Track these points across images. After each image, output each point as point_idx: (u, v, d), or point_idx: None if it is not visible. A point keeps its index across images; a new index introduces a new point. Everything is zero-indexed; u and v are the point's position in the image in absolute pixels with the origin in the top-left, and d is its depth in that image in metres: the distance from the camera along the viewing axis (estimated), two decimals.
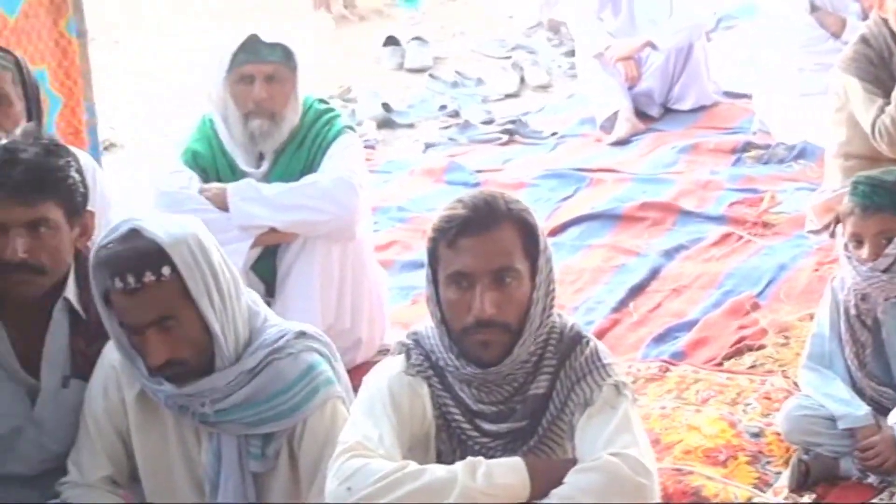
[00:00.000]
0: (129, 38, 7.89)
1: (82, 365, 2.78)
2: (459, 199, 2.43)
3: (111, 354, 2.68)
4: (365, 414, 2.44)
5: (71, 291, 2.77)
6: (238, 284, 2.62)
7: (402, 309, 4.41)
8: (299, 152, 3.74)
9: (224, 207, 3.59)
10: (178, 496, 2.68)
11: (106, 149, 5.23)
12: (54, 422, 2.81)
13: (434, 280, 2.43)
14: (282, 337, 2.61)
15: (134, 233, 2.48)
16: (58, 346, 2.78)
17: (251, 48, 3.62)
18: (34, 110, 3.37)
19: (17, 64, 3.33)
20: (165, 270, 2.45)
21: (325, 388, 2.60)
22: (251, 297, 2.70)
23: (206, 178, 3.72)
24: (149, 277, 2.44)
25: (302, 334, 2.65)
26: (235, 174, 3.73)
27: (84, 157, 3.60)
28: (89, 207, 2.86)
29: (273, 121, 3.66)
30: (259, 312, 2.68)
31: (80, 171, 2.75)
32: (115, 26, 7.60)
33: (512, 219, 2.39)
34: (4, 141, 2.74)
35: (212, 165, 3.74)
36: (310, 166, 3.73)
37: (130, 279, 2.44)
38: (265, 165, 3.74)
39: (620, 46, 6.11)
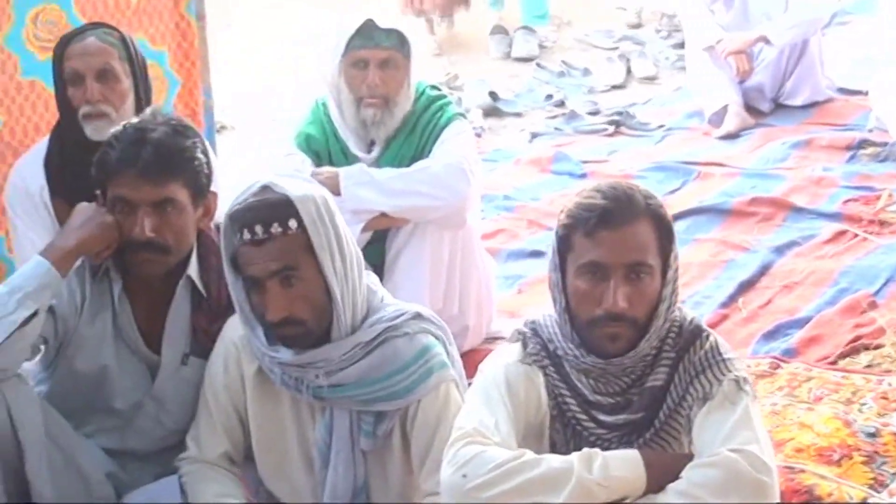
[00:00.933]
0: (241, 21, 7.97)
1: (203, 343, 2.84)
2: (596, 189, 2.41)
3: (232, 332, 2.72)
4: (481, 401, 2.44)
5: (194, 269, 2.82)
6: (361, 262, 2.65)
7: (508, 298, 4.41)
8: (410, 138, 3.74)
9: (336, 191, 3.59)
10: (292, 473, 2.72)
11: (217, 131, 5.29)
12: (173, 399, 2.87)
13: (562, 267, 2.42)
14: (399, 316, 2.64)
15: (265, 188, 2.54)
16: (179, 324, 2.84)
17: (366, 33, 3.63)
18: (141, 87, 3.40)
19: (123, 40, 3.36)
20: (292, 223, 2.51)
21: (439, 371, 2.62)
22: (371, 278, 2.73)
23: (318, 162, 3.74)
24: (276, 228, 2.50)
25: (418, 316, 2.67)
26: (348, 158, 3.74)
27: None
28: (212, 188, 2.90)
29: (386, 108, 3.67)
30: (377, 293, 2.71)
31: (205, 151, 2.80)
32: (229, 9, 7.67)
33: (649, 214, 2.39)
34: (135, 120, 2.79)
35: (324, 149, 3.77)
36: (421, 152, 3.73)
37: (258, 229, 2.50)
38: (376, 151, 3.75)
39: (733, 40, 6.01)
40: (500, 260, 4.69)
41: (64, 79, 3.31)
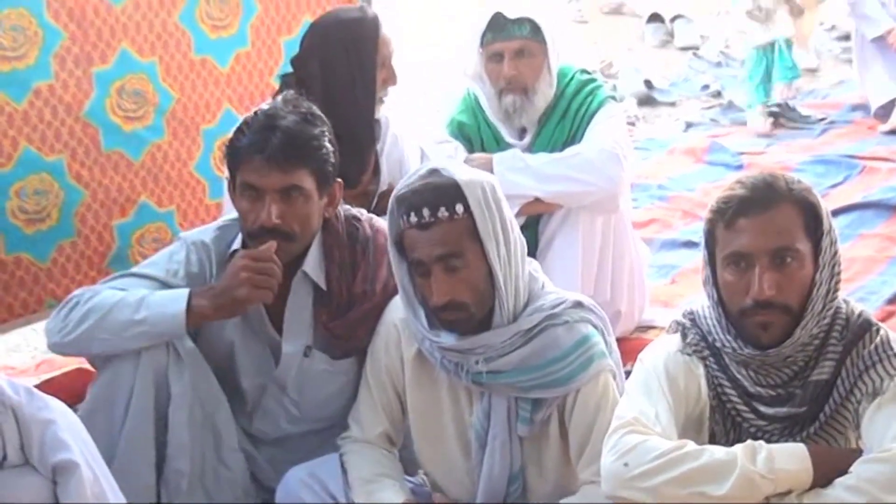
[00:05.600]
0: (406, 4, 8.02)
1: (325, 339, 2.84)
2: (738, 180, 2.39)
3: (394, 313, 2.74)
4: (641, 391, 2.42)
5: (311, 264, 2.82)
6: (524, 248, 2.64)
7: (661, 287, 4.38)
8: (562, 123, 3.72)
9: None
10: (448, 456, 2.73)
11: None
12: (295, 387, 2.90)
13: (711, 262, 2.39)
14: (559, 304, 2.62)
15: (433, 172, 2.55)
16: (299, 317, 2.85)
17: (497, 26, 3.63)
18: None
19: None
20: (459, 208, 2.51)
21: (598, 360, 2.60)
22: (532, 265, 2.72)
23: (470, 149, 3.76)
24: (442, 213, 2.50)
25: (579, 304, 2.65)
26: (500, 145, 3.75)
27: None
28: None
29: (525, 95, 3.66)
30: (538, 279, 2.70)
31: (332, 141, 2.79)
32: None
33: (793, 199, 2.33)
34: (265, 106, 2.79)
35: (476, 136, 3.78)
36: (573, 137, 3.71)
37: (425, 212, 2.50)
38: (528, 137, 3.74)
39: None
40: (653, 249, 4.66)
41: (374, 62, 3.41)
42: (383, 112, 3.62)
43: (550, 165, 3.63)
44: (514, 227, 2.62)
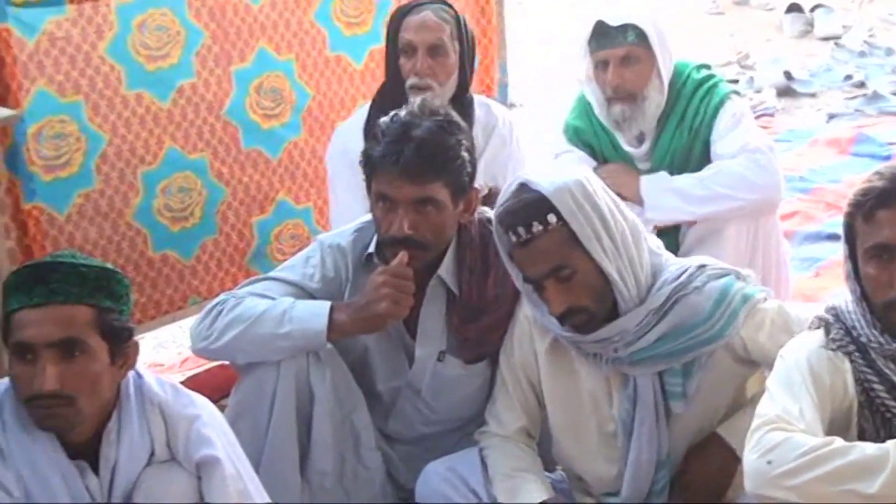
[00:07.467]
0: (535, 11, 8.03)
1: (459, 343, 2.83)
2: (877, 171, 2.33)
3: (525, 308, 2.73)
4: (783, 387, 2.35)
5: (446, 269, 2.80)
6: (636, 230, 2.60)
7: (804, 280, 4.30)
8: (681, 128, 3.54)
9: (635, 200, 3.46)
10: (588, 448, 2.71)
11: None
12: (430, 391, 2.89)
13: (852, 256, 2.34)
14: (683, 272, 2.59)
15: (522, 187, 2.53)
16: (433, 321, 2.84)
17: (600, 34, 3.47)
18: (467, 65, 3.48)
19: (457, 18, 3.46)
20: (551, 218, 2.49)
21: (746, 303, 2.58)
22: (655, 242, 2.69)
23: (593, 155, 3.62)
24: (536, 227, 2.49)
25: (702, 266, 2.61)
26: (618, 152, 3.60)
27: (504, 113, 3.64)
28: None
29: (634, 103, 3.50)
30: (661, 255, 2.66)
31: (469, 149, 2.74)
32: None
33: None
34: (403, 112, 2.73)
35: (595, 142, 3.63)
36: (693, 141, 3.54)
37: (521, 231, 2.49)
38: (647, 145, 3.58)
39: None
40: (795, 242, 4.58)
41: (398, 48, 3.42)
42: (486, 113, 3.57)
43: (700, 186, 3.47)
44: (617, 212, 2.57)
